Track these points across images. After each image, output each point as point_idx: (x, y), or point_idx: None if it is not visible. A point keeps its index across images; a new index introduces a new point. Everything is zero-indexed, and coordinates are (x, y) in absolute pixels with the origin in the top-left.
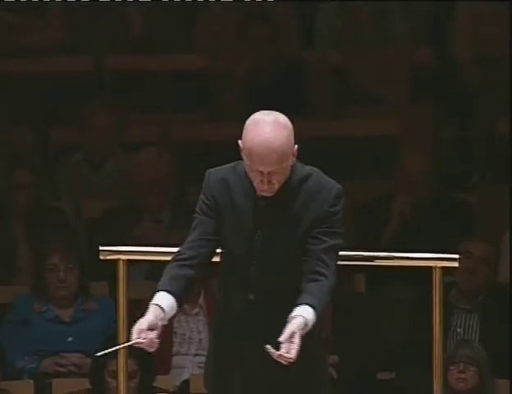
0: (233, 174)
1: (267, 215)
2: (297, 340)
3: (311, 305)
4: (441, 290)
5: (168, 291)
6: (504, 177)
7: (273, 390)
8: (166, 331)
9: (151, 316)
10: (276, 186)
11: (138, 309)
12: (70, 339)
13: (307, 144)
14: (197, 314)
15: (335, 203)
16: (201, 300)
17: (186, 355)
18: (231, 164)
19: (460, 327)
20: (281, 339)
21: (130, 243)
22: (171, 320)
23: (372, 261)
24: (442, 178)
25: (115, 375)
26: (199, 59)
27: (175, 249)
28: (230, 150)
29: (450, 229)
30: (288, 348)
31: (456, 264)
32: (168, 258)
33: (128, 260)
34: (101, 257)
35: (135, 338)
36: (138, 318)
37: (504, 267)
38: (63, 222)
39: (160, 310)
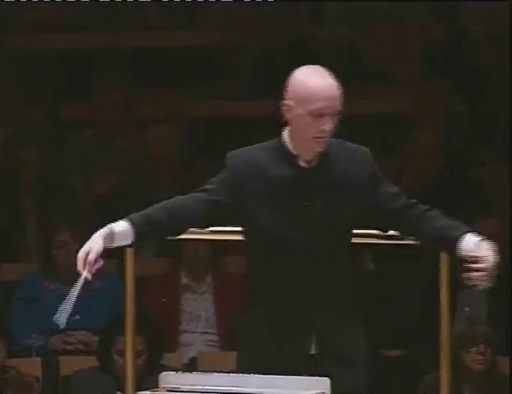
0: (264, 152)
1: (312, 183)
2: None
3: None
4: (449, 268)
5: (130, 221)
6: None
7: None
8: (174, 308)
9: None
10: (327, 140)
11: (146, 286)
12: (77, 317)
13: None
14: (204, 293)
15: (374, 163)
16: (208, 279)
17: (193, 332)
18: (256, 145)
19: (468, 306)
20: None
21: None
22: (178, 298)
23: (381, 239)
24: (454, 155)
25: (122, 353)
26: (211, 36)
27: None
28: (242, 127)
29: (459, 206)
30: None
31: None
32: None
33: None
34: None
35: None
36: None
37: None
38: (72, 199)
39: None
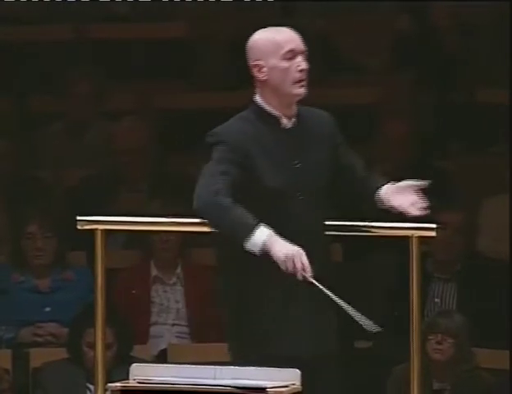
0: (245, 123)
1: (298, 143)
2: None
3: None
4: (418, 260)
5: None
6: (482, 146)
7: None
8: (144, 300)
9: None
10: (305, 85)
11: (116, 278)
12: (47, 309)
13: None
14: (174, 284)
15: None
16: (178, 270)
17: (164, 324)
18: (233, 119)
19: (438, 297)
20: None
21: (108, 212)
22: (148, 290)
23: (349, 231)
24: (422, 146)
25: (92, 345)
26: (180, 27)
27: (152, 219)
28: (211, 119)
29: (428, 197)
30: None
31: (434, 234)
32: (146, 227)
33: (105, 230)
34: (78, 227)
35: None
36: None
37: (482, 236)
38: (41, 191)
39: None
